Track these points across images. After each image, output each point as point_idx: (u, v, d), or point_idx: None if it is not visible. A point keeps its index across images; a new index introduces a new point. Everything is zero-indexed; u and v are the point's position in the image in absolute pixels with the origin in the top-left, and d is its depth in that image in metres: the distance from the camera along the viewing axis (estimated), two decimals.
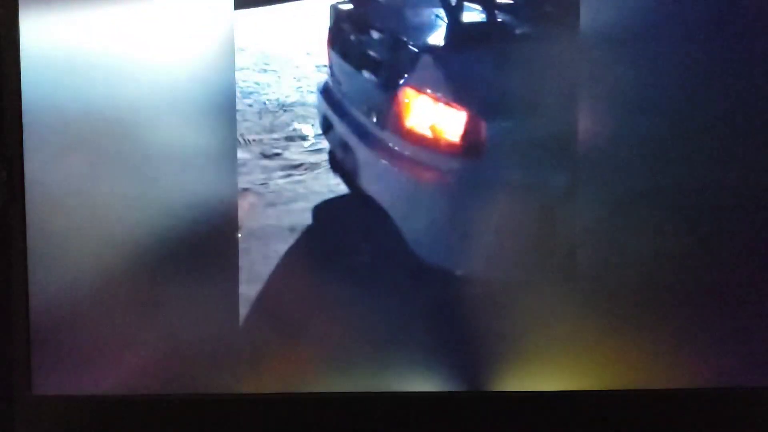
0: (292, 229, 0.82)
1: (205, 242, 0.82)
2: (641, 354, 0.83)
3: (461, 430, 0.84)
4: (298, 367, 0.84)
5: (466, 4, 0.81)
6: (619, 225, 0.81)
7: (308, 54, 0.81)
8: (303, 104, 0.81)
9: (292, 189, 0.82)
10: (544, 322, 0.83)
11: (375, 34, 0.83)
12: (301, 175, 0.82)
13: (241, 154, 0.81)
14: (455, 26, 0.81)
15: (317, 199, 0.82)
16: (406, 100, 0.81)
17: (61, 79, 0.80)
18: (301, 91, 0.81)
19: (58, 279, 0.82)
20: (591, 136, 0.80)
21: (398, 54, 0.82)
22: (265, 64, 0.81)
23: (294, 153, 0.82)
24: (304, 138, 0.82)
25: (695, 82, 0.80)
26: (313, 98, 0.81)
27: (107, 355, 0.83)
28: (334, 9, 0.81)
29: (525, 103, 0.80)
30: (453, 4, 0.80)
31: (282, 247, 0.83)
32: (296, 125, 0.82)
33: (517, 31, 0.80)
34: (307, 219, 0.82)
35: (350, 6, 0.82)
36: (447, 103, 0.80)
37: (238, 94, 0.81)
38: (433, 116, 0.80)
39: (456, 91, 0.80)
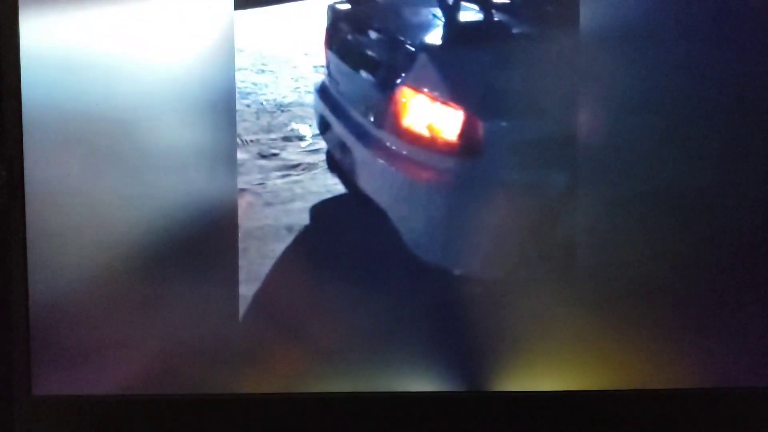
0: (289, 229, 0.82)
1: (204, 242, 0.82)
2: (641, 354, 0.83)
3: (461, 430, 0.84)
4: (297, 367, 0.84)
5: (463, 3, 0.80)
6: (618, 225, 0.81)
7: (306, 54, 0.81)
8: (300, 105, 0.81)
9: (289, 189, 0.82)
10: (544, 322, 0.83)
11: (372, 34, 0.83)
12: (298, 175, 0.82)
13: (239, 155, 0.82)
14: (452, 26, 0.81)
15: (315, 199, 0.82)
16: (404, 100, 0.81)
17: (60, 79, 0.80)
18: (299, 92, 0.81)
19: (57, 279, 0.82)
20: (589, 136, 0.80)
21: (395, 54, 0.82)
22: (263, 64, 0.81)
23: (291, 153, 0.82)
24: (301, 138, 0.82)
25: (693, 82, 0.80)
26: (311, 99, 0.82)
27: (107, 355, 0.83)
28: (332, 9, 0.81)
29: (522, 102, 0.80)
30: (450, 3, 0.80)
31: (279, 246, 0.83)
32: (294, 125, 0.82)
33: (514, 31, 0.80)
34: (304, 219, 0.82)
35: (347, 6, 0.82)
36: (444, 103, 0.80)
37: (236, 95, 0.81)
38: (430, 116, 0.80)
39: (453, 91, 0.80)
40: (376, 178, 0.82)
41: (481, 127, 0.80)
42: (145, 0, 0.80)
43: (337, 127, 0.83)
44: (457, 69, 0.81)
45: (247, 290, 0.83)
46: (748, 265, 0.82)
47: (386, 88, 0.82)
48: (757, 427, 0.82)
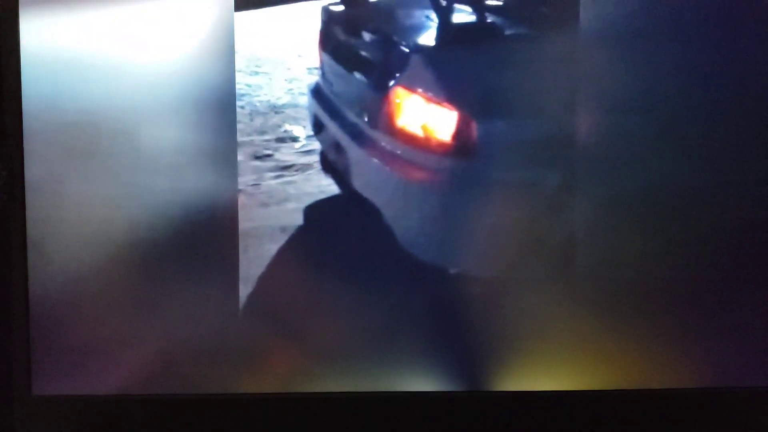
0: (283, 230, 0.82)
1: (204, 243, 0.82)
2: (641, 354, 0.82)
3: (461, 430, 0.83)
4: (297, 367, 0.84)
5: (456, 5, 0.80)
6: (617, 224, 0.81)
7: (300, 56, 0.81)
8: (294, 106, 0.81)
9: (283, 190, 0.82)
10: (544, 322, 0.82)
11: (366, 35, 0.83)
12: (292, 176, 0.82)
13: None
14: (446, 26, 0.80)
15: (309, 200, 0.82)
16: (398, 100, 0.80)
17: (61, 79, 0.80)
18: (293, 93, 0.81)
19: (58, 279, 0.82)
20: (586, 136, 0.80)
21: (389, 54, 0.82)
22: (257, 66, 0.81)
23: (285, 154, 0.82)
24: (295, 139, 0.82)
25: (692, 81, 0.79)
26: (305, 100, 0.81)
27: (107, 355, 0.83)
28: (325, 10, 0.81)
29: (516, 102, 0.80)
30: (443, 4, 0.80)
31: (274, 247, 0.83)
32: (288, 127, 0.82)
33: (508, 31, 0.80)
34: (298, 219, 0.82)
35: (341, 7, 0.81)
36: (438, 103, 0.79)
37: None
38: (424, 116, 0.80)
39: (447, 91, 0.80)
40: (371, 179, 0.82)
41: (475, 127, 0.79)
42: (145, 1, 0.80)
43: (332, 128, 0.82)
44: (452, 69, 0.80)
45: (244, 290, 0.83)
46: (748, 265, 0.81)
47: (380, 88, 0.81)
48: (757, 427, 0.82)
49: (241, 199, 0.82)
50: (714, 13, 0.79)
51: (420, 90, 0.80)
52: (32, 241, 0.82)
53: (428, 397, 0.83)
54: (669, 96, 0.79)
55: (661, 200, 0.80)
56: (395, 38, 0.82)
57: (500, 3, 0.80)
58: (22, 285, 0.82)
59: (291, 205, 0.82)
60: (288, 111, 0.81)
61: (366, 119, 0.82)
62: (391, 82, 0.81)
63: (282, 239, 0.82)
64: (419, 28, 0.81)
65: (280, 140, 0.82)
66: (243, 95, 0.81)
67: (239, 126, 0.82)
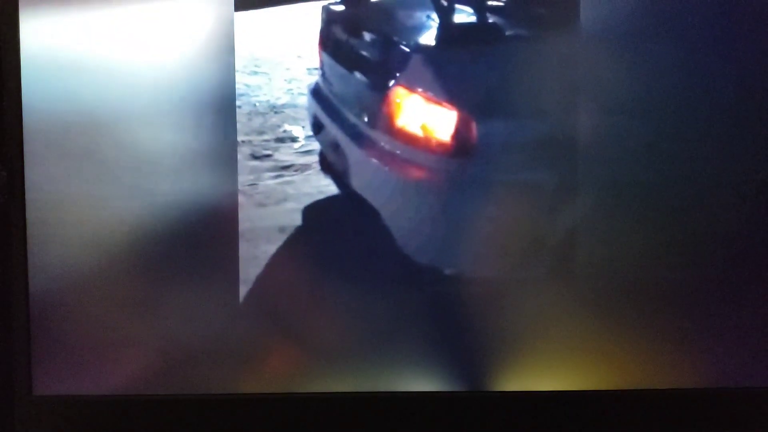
0: (281, 230, 0.82)
1: (204, 243, 0.82)
2: (641, 354, 0.82)
3: (461, 430, 0.83)
4: (297, 367, 0.84)
5: (457, 6, 0.80)
6: (616, 225, 0.81)
7: (299, 57, 0.81)
8: (294, 106, 0.81)
9: (281, 190, 0.82)
10: (544, 322, 0.82)
11: (366, 35, 0.83)
12: (291, 176, 0.82)
13: None
14: (447, 26, 0.80)
15: (307, 200, 0.82)
16: (398, 100, 0.80)
17: (61, 79, 0.80)
18: (292, 93, 0.81)
19: (57, 279, 0.82)
20: (585, 136, 0.80)
21: (390, 54, 0.82)
22: (256, 66, 0.81)
23: (284, 154, 0.82)
24: (294, 140, 0.82)
25: (693, 82, 0.79)
26: (304, 100, 0.81)
27: (107, 356, 0.83)
28: (326, 10, 0.81)
29: (516, 102, 0.80)
30: (444, 5, 0.80)
31: (271, 248, 0.83)
32: (287, 127, 0.81)
33: (509, 32, 0.80)
34: (296, 219, 0.82)
35: (342, 7, 0.81)
36: (438, 103, 0.79)
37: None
38: (424, 116, 0.80)
39: (447, 91, 0.80)
40: (370, 178, 0.82)
41: (474, 127, 0.79)
42: (145, 2, 0.80)
43: (331, 128, 0.82)
44: (452, 69, 0.80)
45: (243, 291, 0.83)
46: (749, 265, 0.81)
47: (381, 88, 0.81)
48: (757, 427, 0.82)
49: (240, 199, 0.82)
50: (721, 13, 0.79)
51: (420, 90, 0.80)
52: (32, 241, 0.82)
53: (428, 397, 0.83)
54: (669, 96, 0.79)
55: (660, 200, 0.80)
56: (396, 38, 0.82)
57: (500, 3, 0.80)
58: (23, 285, 0.82)
59: (289, 205, 0.82)
60: (287, 111, 0.81)
61: (366, 119, 0.82)
62: (391, 82, 0.81)
63: (280, 239, 0.82)
64: (420, 28, 0.81)
65: (279, 140, 0.82)
66: (242, 95, 0.81)
67: (237, 125, 0.82)
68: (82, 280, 0.82)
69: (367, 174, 0.82)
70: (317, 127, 0.83)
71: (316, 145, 0.83)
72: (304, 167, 0.82)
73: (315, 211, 0.82)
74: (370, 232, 0.82)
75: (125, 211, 0.81)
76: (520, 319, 0.82)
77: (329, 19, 0.82)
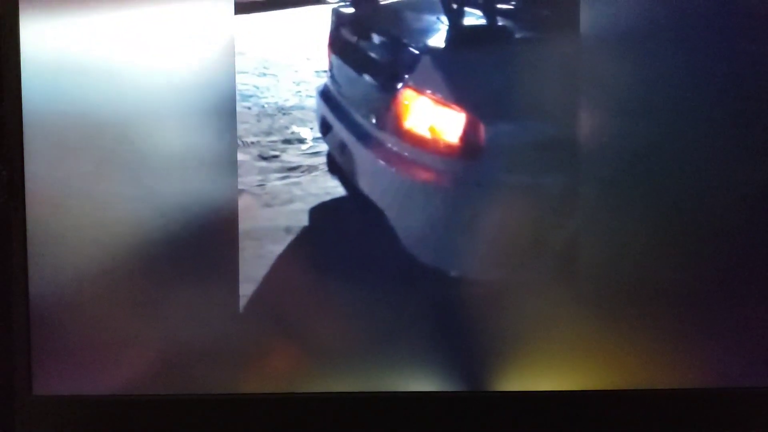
0: (287, 230, 0.82)
1: (205, 243, 0.82)
2: (641, 354, 0.83)
3: (461, 430, 0.84)
4: (298, 367, 0.84)
5: (466, 9, 0.81)
6: (618, 226, 0.81)
7: (308, 59, 0.81)
8: (301, 108, 0.82)
9: (288, 191, 0.82)
10: (544, 322, 0.83)
11: (375, 37, 0.83)
12: (298, 177, 0.82)
13: (239, 156, 0.82)
14: (456, 29, 0.81)
15: (314, 201, 0.82)
16: (406, 102, 0.81)
17: (61, 79, 0.80)
18: (300, 95, 0.81)
19: (58, 279, 0.82)
20: (590, 139, 0.80)
21: (398, 56, 0.82)
22: (265, 68, 0.82)
23: (291, 155, 0.82)
24: (302, 141, 0.82)
25: (695, 83, 0.80)
26: (312, 102, 0.81)
27: (107, 356, 0.83)
28: (335, 12, 0.81)
29: (524, 105, 0.80)
30: (454, 7, 0.80)
31: (277, 247, 0.83)
32: (294, 128, 0.82)
33: (517, 35, 0.80)
34: (303, 220, 0.82)
35: (351, 9, 0.82)
36: (446, 105, 0.80)
37: (237, 97, 0.81)
38: (432, 118, 0.80)
39: (456, 93, 0.80)
40: (377, 179, 0.82)
41: (483, 129, 0.80)
42: (145, 3, 0.80)
43: (339, 129, 0.83)
44: (460, 71, 0.81)
45: (246, 290, 0.83)
46: (749, 265, 0.82)
47: (389, 90, 0.82)
48: (757, 427, 0.82)
49: (246, 199, 0.82)
50: (723, 15, 0.79)
51: (428, 91, 0.80)
52: (32, 241, 0.81)
53: (429, 397, 0.84)
54: (676, 98, 0.80)
55: (661, 201, 0.81)
56: (405, 40, 0.82)
57: (509, 6, 0.80)
58: (23, 285, 0.82)
59: (297, 206, 0.82)
60: (295, 113, 0.82)
61: (374, 120, 0.82)
62: (399, 84, 0.81)
63: (286, 240, 0.83)
64: (429, 31, 0.82)
65: (287, 141, 0.82)
66: (250, 96, 0.81)
67: (246, 126, 0.82)
68: (82, 280, 0.82)
69: (374, 175, 0.82)
70: (325, 129, 0.83)
71: (323, 147, 0.83)
72: (311, 168, 0.83)
73: (320, 212, 0.82)
74: (374, 232, 0.83)
75: (125, 211, 0.81)
76: (520, 319, 0.83)
77: (338, 21, 0.82)
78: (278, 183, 0.82)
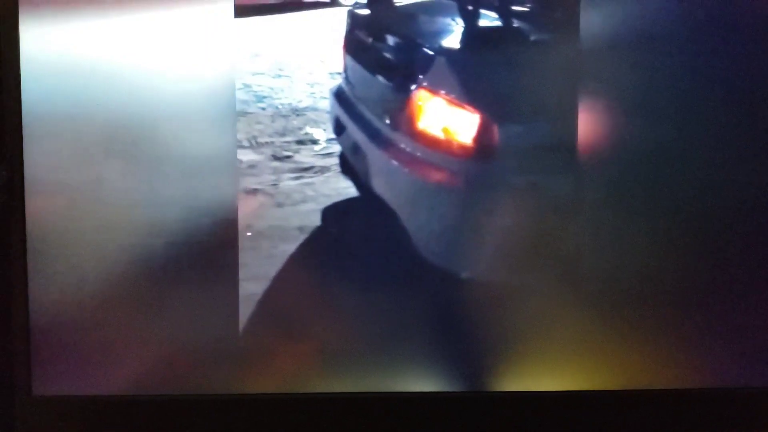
0: (299, 230, 0.83)
1: (205, 243, 0.82)
2: (642, 354, 0.84)
3: (461, 430, 0.84)
4: (298, 367, 0.84)
5: (481, 10, 0.81)
6: (620, 227, 0.82)
7: (322, 61, 0.82)
8: (315, 109, 0.83)
9: (301, 191, 0.83)
10: (544, 322, 0.84)
11: (390, 38, 0.84)
12: (310, 177, 0.83)
13: (253, 156, 0.83)
14: (471, 30, 0.82)
15: (326, 201, 0.83)
16: (420, 103, 0.81)
17: (61, 79, 0.80)
18: (314, 97, 0.82)
19: (57, 279, 0.82)
20: (602, 141, 0.81)
21: (413, 57, 0.83)
22: (280, 69, 0.82)
23: (305, 156, 0.83)
24: (315, 142, 0.83)
25: (712, 86, 0.81)
26: (325, 104, 0.82)
27: (107, 356, 0.83)
28: (351, 14, 0.82)
29: (538, 106, 0.82)
30: (469, 9, 0.81)
31: (289, 247, 0.83)
32: (308, 129, 0.83)
33: (531, 36, 0.81)
34: (315, 220, 0.83)
35: (366, 11, 0.82)
36: (461, 106, 0.81)
37: (251, 98, 0.82)
38: (446, 118, 0.81)
39: (470, 94, 0.81)
40: (389, 179, 0.83)
41: (496, 131, 0.81)
42: (145, 3, 0.80)
43: (353, 130, 0.83)
44: (475, 72, 0.82)
45: (252, 289, 0.84)
46: (749, 266, 0.83)
47: (403, 90, 0.83)
48: (757, 427, 0.84)
49: (259, 199, 0.82)
50: (726, 16, 0.80)
51: (442, 92, 0.81)
52: (32, 241, 0.81)
53: (429, 397, 0.84)
54: (685, 101, 0.81)
55: (661, 201, 0.82)
56: (419, 40, 0.83)
57: (523, 8, 0.81)
58: (23, 285, 0.82)
59: (309, 206, 0.83)
60: (309, 114, 0.83)
61: (387, 121, 0.83)
62: (413, 85, 0.82)
63: (298, 239, 0.84)
64: (444, 31, 0.82)
65: (300, 142, 0.83)
66: (265, 97, 0.82)
67: (260, 127, 0.83)
68: (81, 279, 0.82)
69: (386, 173, 0.83)
70: (339, 129, 0.83)
71: (336, 148, 0.84)
72: (324, 169, 0.83)
73: (333, 212, 0.83)
74: (378, 232, 0.83)
75: (125, 211, 0.81)
76: (520, 320, 0.84)
77: (353, 22, 0.83)
78: (291, 183, 0.83)
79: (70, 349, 0.83)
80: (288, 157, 0.83)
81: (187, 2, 0.80)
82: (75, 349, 0.83)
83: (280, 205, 0.83)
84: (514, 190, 0.82)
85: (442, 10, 0.83)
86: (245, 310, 0.84)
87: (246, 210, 0.83)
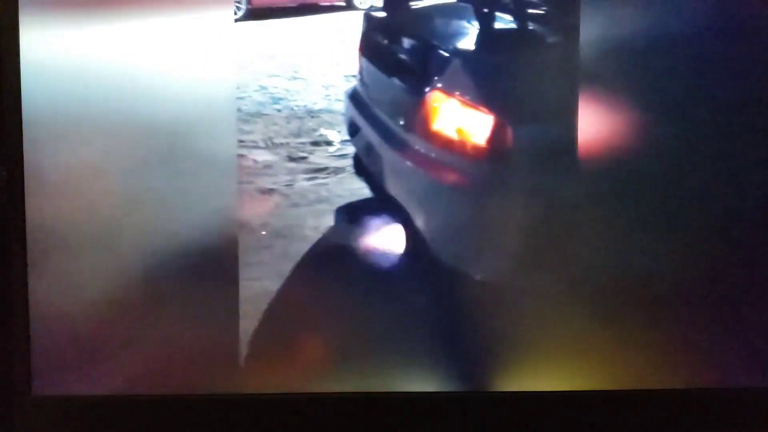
0: (313, 230, 0.83)
1: (205, 244, 0.82)
2: (641, 354, 0.84)
3: (461, 430, 0.85)
4: (298, 367, 0.84)
5: (497, 13, 0.82)
6: (619, 226, 0.83)
7: (337, 64, 0.83)
8: (330, 111, 0.83)
9: (315, 191, 0.83)
10: (545, 322, 0.84)
11: (405, 41, 0.84)
12: (325, 178, 0.83)
13: (269, 156, 0.83)
14: (485, 32, 0.83)
15: (340, 202, 0.84)
16: (434, 104, 0.82)
17: (61, 79, 0.80)
18: (329, 99, 0.83)
19: (57, 279, 0.81)
20: (616, 143, 0.82)
21: (427, 59, 0.84)
22: (295, 71, 0.83)
23: (319, 157, 0.84)
24: (329, 143, 0.84)
25: (724, 87, 0.82)
26: (340, 106, 0.83)
27: (107, 356, 0.83)
28: (366, 16, 0.83)
29: (552, 108, 0.82)
30: (484, 11, 0.82)
31: (303, 246, 0.84)
32: (323, 131, 0.83)
33: (547, 39, 0.82)
34: (328, 220, 0.83)
35: (382, 14, 0.83)
36: (475, 107, 0.81)
37: (267, 100, 0.83)
38: (460, 120, 0.82)
39: (484, 96, 0.82)
40: (403, 180, 0.84)
41: (510, 132, 0.82)
42: (145, 3, 0.80)
43: (367, 131, 0.84)
44: (489, 74, 0.83)
45: (256, 290, 0.84)
46: (749, 266, 0.84)
47: (417, 92, 0.83)
48: (757, 427, 0.84)
49: (274, 199, 0.83)
50: (727, 16, 0.82)
51: (457, 94, 0.82)
52: (32, 241, 0.81)
53: (429, 397, 0.84)
54: (707, 104, 0.82)
55: (661, 201, 0.83)
56: (434, 42, 0.83)
57: (538, 11, 0.82)
58: (22, 285, 0.81)
59: (322, 207, 0.83)
60: (324, 116, 0.83)
61: (402, 122, 0.84)
62: (428, 87, 0.82)
63: (312, 239, 0.84)
64: (459, 33, 0.83)
65: (315, 144, 0.84)
66: (280, 99, 0.83)
67: (275, 128, 0.83)
68: (81, 280, 0.82)
69: (400, 174, 0.85)
70: (353, 130, 0.84)
71: (350, 150, 0.85)
72: (338, 170, 0.84)
73: (346, 213, 0.84)
74: (382, 232, 0.84)
75: (124, 212, 0.81)
76: (520, 320, 0.84)
77: (369, 25, 0.83)
78: (306, 183, 0.83)
79: (70, 350, 0.82)
80: (303, 158, 0.84)
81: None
82: (75, 349, 0.82)
83: (295, 205, 0.83)
84: (527, 192, 0.83)
85: (457, 13, 0.84)
86: (247, 309, 0.84)
87: (261, 209, 0.83)
